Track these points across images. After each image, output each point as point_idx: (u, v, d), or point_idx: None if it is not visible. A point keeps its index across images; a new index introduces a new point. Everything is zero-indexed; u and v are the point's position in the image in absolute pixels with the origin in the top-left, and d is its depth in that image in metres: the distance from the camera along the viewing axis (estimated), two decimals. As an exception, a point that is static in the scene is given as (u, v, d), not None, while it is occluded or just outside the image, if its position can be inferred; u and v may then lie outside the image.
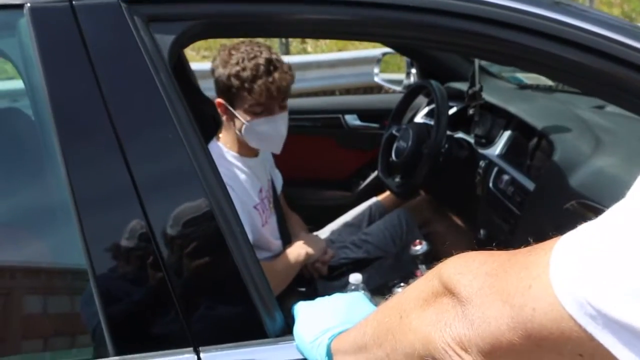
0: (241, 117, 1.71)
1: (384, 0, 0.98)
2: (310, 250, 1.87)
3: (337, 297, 0.88)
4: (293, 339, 0.86)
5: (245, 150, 1.81)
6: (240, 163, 1.80)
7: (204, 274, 0.91)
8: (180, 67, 2.03)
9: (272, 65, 1.68)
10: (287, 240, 1.93)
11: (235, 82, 1.68)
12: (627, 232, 0.43)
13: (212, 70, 1.76)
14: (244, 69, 1.67)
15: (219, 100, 1.74)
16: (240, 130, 1.74)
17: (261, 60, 1.67)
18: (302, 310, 0.87)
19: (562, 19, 1.02)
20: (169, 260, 0.88)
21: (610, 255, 0.43)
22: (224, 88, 1.72)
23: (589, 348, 0.44)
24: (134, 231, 0.88)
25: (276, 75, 1.67)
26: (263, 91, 1.66)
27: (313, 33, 1.22)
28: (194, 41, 1.03)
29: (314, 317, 0.83)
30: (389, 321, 0.65)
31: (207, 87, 2.19)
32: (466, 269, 0.56)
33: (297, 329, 0.84)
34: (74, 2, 0.91)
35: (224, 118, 1.77)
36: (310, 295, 1.86)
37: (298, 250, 1.86)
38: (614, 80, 1.04)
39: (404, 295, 0.66)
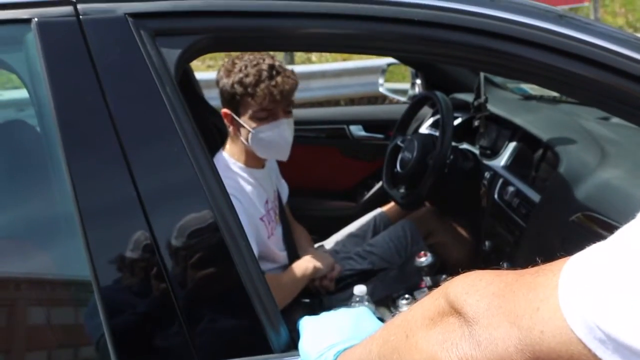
0: (247, 125, 1.72)
1: (386, 14, 0.98)
2: (318, 265, 1.87)
3: (342, 312, 0.87)
4: (298, 355, 0.86)
5: (252, 161, 1.81)
6: (247, 174, 1.80)
7: (208, 287, 0.91)
8: (185, 78, 2.04)
9: (274, 70, 1.70)
10: (292, 252, 1.93)
11: (238, 88, 1.70)
12: (638, 254, 0.43)
13: (217, 82, 1.77)
14: (247, 75, 1.69)
15: (225, 110, 1.76)
16: (247, 140, 1.74)
17: (264, 66, 1.70)
18: (308, 325, 0.86)
19: (567, 32, 1.02)
20: (173, 273, 0.88)
21: (620, 279, 0.43)
22: (228, 97, 1.73)
23: None
24: (139, 243, 0.88)
25: (279, 79, 1.69)
26: (266, 95, 1.68)
27: (317, 46, 1.22)
28: (200, 55, 1.04)
29: (319, 332, 0.83)
30: (394, 340, 0.65)
31: (212, 97, 2.21)
32: (473, 288, 0.56)
33: (302, 344, 0.84)
34: (80, 17, 0.91)
35: (230, 129, 1.78)
36: (315, 307, 1.87)
37: (306, 264, 1.86)
38: (619, 93, 1.04)
39: (410, 313, 0.66)
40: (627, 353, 0.42)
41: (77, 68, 0.91)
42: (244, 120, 1.73)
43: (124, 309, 0.90)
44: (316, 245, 2.13)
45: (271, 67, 1.70)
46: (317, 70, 5.84)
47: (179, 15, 0.96)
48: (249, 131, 1.72)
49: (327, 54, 7.21)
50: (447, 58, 1.18)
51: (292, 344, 0.90)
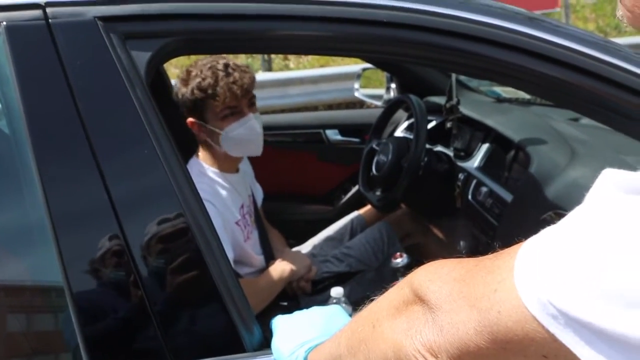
0: (215, 129, 1.73)
1: (355, 16, 0.99)
2: (294, 267, 1.88)
3: (314, 310, 0.88)
4: (271, 353, 0.87)
5: (226, 166, 1.81)
6: (221, 179, 1.80)
7: (181, 289, 0.91)
8: (161, 84, 2.03)
9: (229, 67, 1.71)
10: (269, 256, 1.93)
11: (198, 93, 1.71)
12: (586, 234, 0.45)
13: (176, 94, 1.78)
14: (204, 79, 1.70)
15: (190, 119, 1.76)
16: (218, 143, 1.75)
17: (219, 66, 1.71)
18: (280, 324, 0.87)
19: (537, 34, 1.05)
20: (146, 276, 0.88)
21: (570, 257, 0.45)
22: (190, 105, 1.74)
23: (552, 349, 0.45)
24: (111, 248, 0.88)
25: (236, 74, 1.70)
26: (227, 92, 1.69)
27: (287, 49, 1.23)
28: (171, 58, 1.04)
29: (292, 330, 0.84)
30: (362, 331, 0.66)
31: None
32: (435, 276, 0.57)
33: (274, 342, 0.84)
34: (50, 20, 0.91)
35: (199, 137, 1.78)
36: (293, 310, 1.86)
37: (282, 267, 1.86)
38: (588, 93, 1.06)
39: (376, 304, 0.67)
40: (577, 327, 0.43)
41: (46, 72, 0.91)
42: (211, 125, 1.74)
43: (97, 314, 0.90)
44: (294, 249, 2.14)
45: (226, 65, 1.71)
46: (294, 76, 5.87)
47: (149, 19, 0.96)
48: (219, 134, 1.73)
49: (305, 61, 7.24)
50: (415, 59, 1.20)
51: (266, 342, 0.90)
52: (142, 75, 0.93)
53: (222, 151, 1.77)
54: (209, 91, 1.69)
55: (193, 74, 1.73)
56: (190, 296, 0.92)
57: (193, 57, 1.84)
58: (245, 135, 1.75)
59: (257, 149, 1.82)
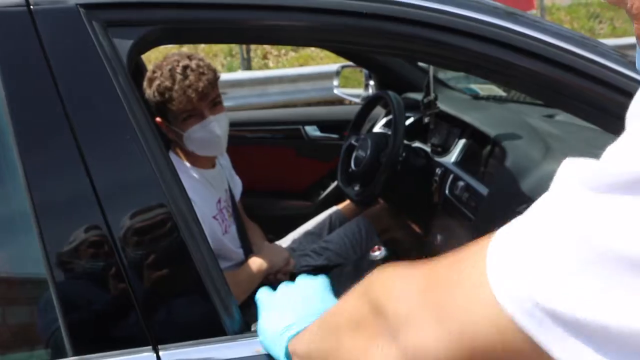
0: (178, 130, 1.72)
1: (337, 7, 1.01)
2: (273, 259, 1.89)
3: (297, 287, 0.87)
4: (251, 336, 0.88)
5: (200, 162, 1.82)
6: (197, 174, 1.80)
7: (165, 277, 0.92)
8: (138, 75, 2.03)
9: (188, 69, 1.67)
10: (248, 249, 1.94)
11: (158, 97, 1.69)
12: (549, 224, 0.41)
13: (144, 93, 1.74)
14: (162, 82, 1.68)
15: (157, 119, 1.74)
16: (183, 143, 1.75)
17: (178, 69, 1.67)
18: (264, 302, 0.88)
19: (514, 27, 1.07)
20: (129, 264, 0.89)
21: (548, 250, 0.41)
22: (155, 106, 1.72)
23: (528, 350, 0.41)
24: (94, 234, 0.89)
25: (192, 77, 1.66)
26: (182, 97, 1.66)
27: (268, 39, 1.24)
28: (153, 46, 1.05)
29: (275, 312, 0.84)
30: (327, 343, 0.63)
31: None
32: (394, 287, 0.52)
33: (260, 325, 0.85)
34: (31, 7, 0.91)
35: (169, 135, 1.77)
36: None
37: (261, 260, 1.87)
38: (564, 86, 1.09)
39: (338, 312, 0.63)
40: (567, 327, 0.39)
41: (28, 59, 0.91)
42: (174, 126, 1.73)
43: (81, 302, 0.91)
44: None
45: (185, 67, 1.68)
46: (274, 75, 5.88)
47: (131, 6, 0.97)
48: (182, 134, 1.73)
49: (285, 60, 7.24)
50: (391, 50, 1.22)
51: (245, 326, 0.92)
52: (124, 63, 0.94)
53: (190, 149, 1.77)
54: (166, 95, 1.67)
55: (156, 74, 1.70)
56: (171, 281, 0.93)
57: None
58: (206, 137, 1.73)
59: (219, 151, 1.82)
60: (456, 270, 0.46)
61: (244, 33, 1.06)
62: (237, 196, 2.04)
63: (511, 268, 0.42)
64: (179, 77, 1.66)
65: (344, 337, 0.58)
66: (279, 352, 0.78)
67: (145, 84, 1.75)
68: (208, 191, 1.82)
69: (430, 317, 0.46)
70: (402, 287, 0.51)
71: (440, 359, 0.45)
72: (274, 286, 1.94)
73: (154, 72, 1.72)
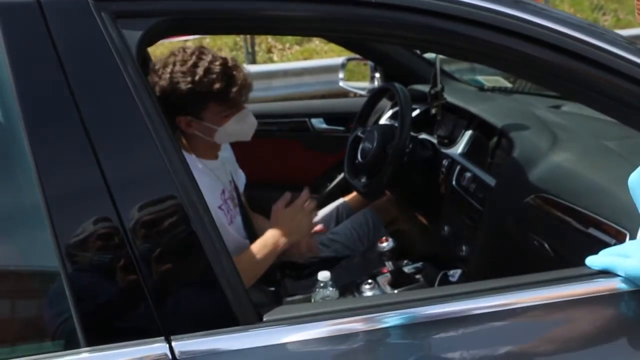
0: (212, 125, 1.72)
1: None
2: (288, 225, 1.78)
3: None
4: (263, 326, 0.89)
5: (205, 153, 1.82)
6: (201, 165, 1.80)
7: (175, 265, 0.92)
8: (143, 65, 2.03)
9: (234, 68, 1.70)
10: (254, 239, 1.94)
11: (204, 89, 1.66)
12: None
13: (163, 89, 1.68)
14: (213, 81, 1.65)
15: (182, 117, 1.71)
16: (210, 137, 1.75)
17: (228, 69, 1.68)
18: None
19: (522, 15, 1.07)
20: (140, 252, 0.89)
21: None
22: (188, 101, 1.67)
23: None
24: (105, 225, 0.89)
25: (240, 75, 1.70)
26: (237, 97, 1.69)
27: (277, 30, 1.24)
28: (162, 37, 1.05)
29: None
30: None
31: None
32: None
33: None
34: (41, 0, 0.92)
35: (186, 130, 1.75)
36: (280, 295, 1.88)
37: (272, 231, 1.77)
38: (572, 74, 1.09)
39: None
40: None
41: (38, 51, 0.91)
42: (209, 122, 1.72)
43: (93, 294, 0.91)
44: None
45: (230, 67, 1.69)
46: (278, 69, 5.88)
47: (140, -2, 0.97)
48: (215, 129, 1.73)
49: (289, 53, 7.23)
50: (397, 39, 1.22)
51: (257, 317, 0.92)
52: (134, 54, 0.94)
53: (207, 141, 1.77)
54: (222, 95, 1.67)
55: (199, 69, 1.65)
56: (184, 274, 0.93)
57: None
58: (242, 128, 1.77)
59: (249, 136, 1.85)
60: None
61: (254, 23, 1.06)
62: (241, 189, 2.04)
63: None
64: (233, 76, 1.68)
65: None
66: None
67: (176, 75, 1.67)
68: (213, 182, 1.82)
69: None
70: None
71: None
72: (279, 276, 1.91)
73: (192, 69, 1.65)
